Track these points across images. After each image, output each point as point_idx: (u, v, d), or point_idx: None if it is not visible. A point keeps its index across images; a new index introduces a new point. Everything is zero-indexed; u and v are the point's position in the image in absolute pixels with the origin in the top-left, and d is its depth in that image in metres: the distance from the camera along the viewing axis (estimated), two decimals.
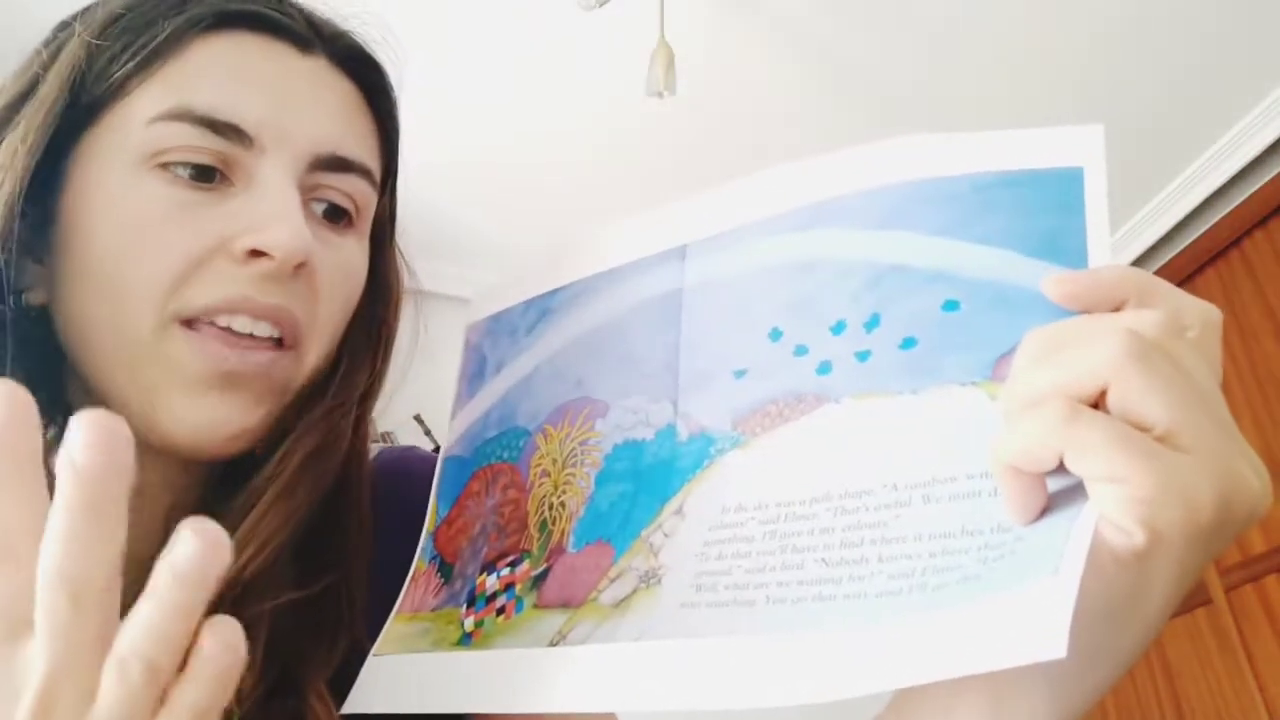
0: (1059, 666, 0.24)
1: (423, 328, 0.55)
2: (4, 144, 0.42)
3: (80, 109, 0.43)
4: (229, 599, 0.41)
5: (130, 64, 0.42)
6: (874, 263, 0.35)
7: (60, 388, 0.45)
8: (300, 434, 0.45)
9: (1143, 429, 0.26)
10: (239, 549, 0.42)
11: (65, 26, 0.45)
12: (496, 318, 0.48)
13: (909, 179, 0.35)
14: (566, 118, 2.20)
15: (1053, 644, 0.23)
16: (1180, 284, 2.54)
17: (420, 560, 0.45)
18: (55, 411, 0.46)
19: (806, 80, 2.10)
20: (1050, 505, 0.28)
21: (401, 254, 0.54)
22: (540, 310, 0.46)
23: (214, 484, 0.46)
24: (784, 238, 0.38)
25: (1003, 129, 0.34)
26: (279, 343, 0.43)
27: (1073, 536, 0.26)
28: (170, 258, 0.41)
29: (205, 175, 0.42)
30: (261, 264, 0.42)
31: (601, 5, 1.81)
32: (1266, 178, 2.22)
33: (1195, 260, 2.43)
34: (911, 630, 0.27)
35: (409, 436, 2.25)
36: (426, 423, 2.33)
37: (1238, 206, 2.30)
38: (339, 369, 0.48)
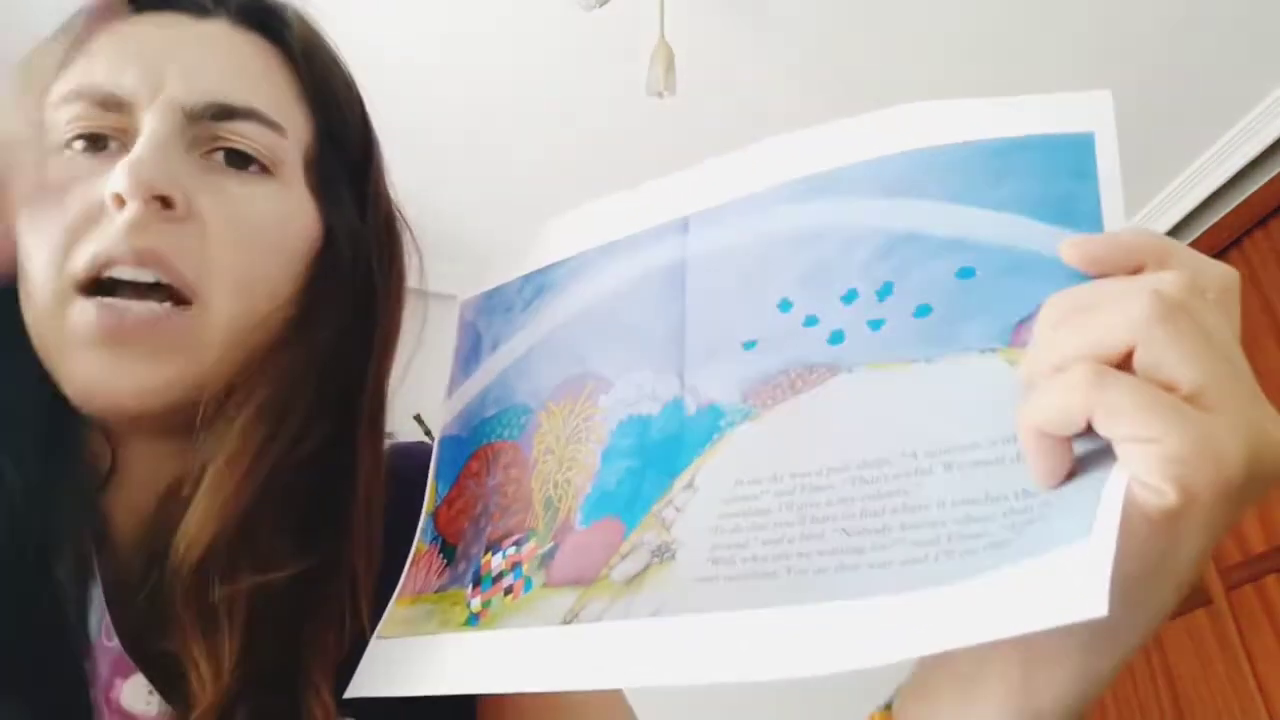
0: (1090, 630, 0.24)
1: (419, 326, 0.55)
2: None
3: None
4: (185, 575, 0.40)
5: (49, 67, 0.45)
6: (885, 231, 0.35)
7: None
8: (249, 387, 0.43)
9: (1169, 389, 0.26)
10: (197, 523, 0.41)
11: None
12: (491, 294, 0.47)
13: (917, 146, 0.35)
14: (566, 117, 2.19)
15: (1093, 602, 0.23)
16: None
17: (421, 541, 0.44)
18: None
19: (807, 80, 2.10)
20: (1075, 469, 0.28)
21: (403, 217, 0.54)
22: (537, 286, 0.45)
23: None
24: (790, 207, 0.38)
25: None
26: (172, 297, 0.42)
27: (1104, 499, 0.25)
28: (58, 225, 0.42)
29: (99, 144, 0.44)
30: (127, 209, 0.42)
31: (601, 5, 1.81)
32: (1266, 178, 2.22)
33: None
34: (945, 596, 0.27)
35: (408, 436, 2.25)
36: (427, 423, 2.32)
37: (1238, 206, 2.30)
38: (303, 326, 0.46)
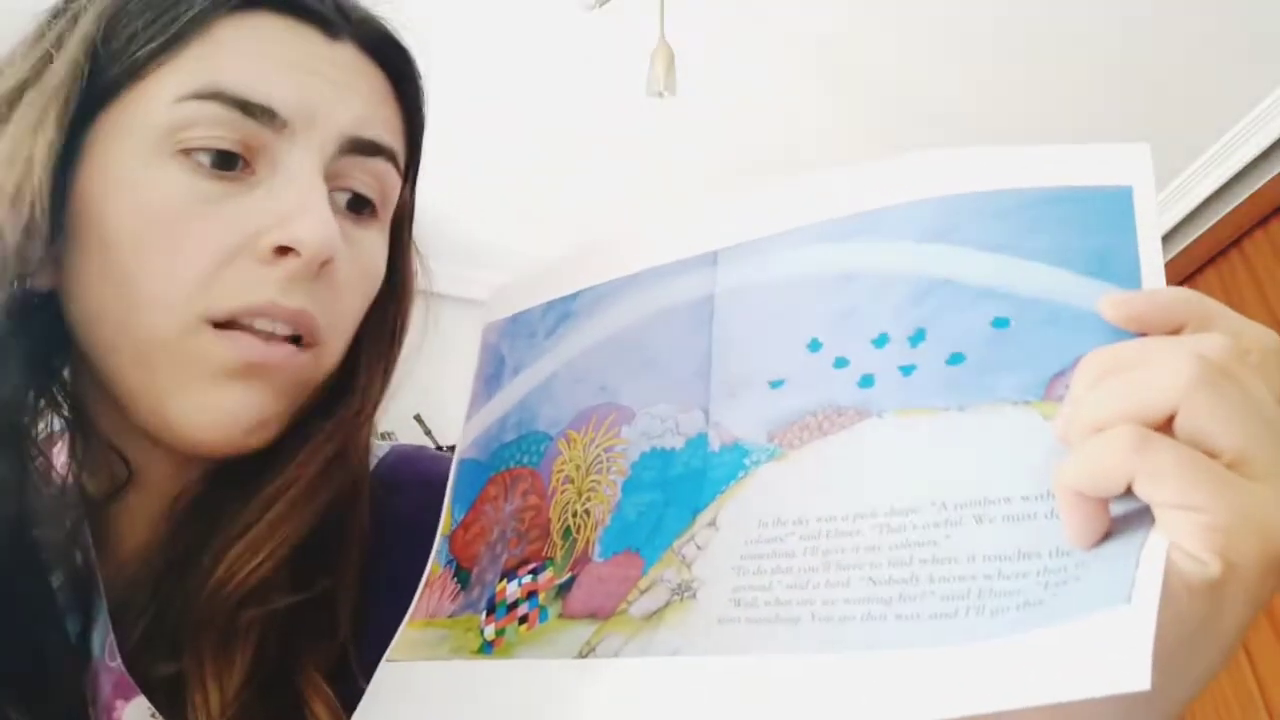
0: (1129, 696, 0.23)
1: (432, 325, 0.54)
2: (15, 126, 0.40)
3: (97, 88, 0.41)
4: (230, 603, 0.41)
5: (153, 43, 0.40)
6: (918, 276, 0.34)
7: (60, 371, 0.44)
8: (321, 440, 0.44)
9: (1211, 456, 0.25)
10: (250, 554, 0.41)
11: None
12: (515, 318, 0.47)
13: (954, 192, 0.35)
14: (565, 117, 2.20)
15: (1135, 675, 0.23)
16: (1180, 284, 2.54)
17: (435, 564, 0.44)
18: (60, 397, 0.44)
19: (806, 80, 2.10)
20: (1111, 529, 0.27)
21: (418, 251, 0.53)
22: (561, 313, 0.45)
23: (219, 479, 0.45)
24: (823, 247, 0.37)
25: (1004, 136, 0.33)
26: (296, 341, 0.43)
27: (1143, 564, 0.25)
28: (194, 257, 0.40)
29: (228, 162, 0.40)
30: (288, 262, 0.41)
31: (601, 5, 1.81)
32: (1266, 178, 2.22)
33: (1195, 260, 2.43)
34: (980, 655, 0.27)
35: (409, 437, 2.25)
36: (427, 423, 2.33)
37: (1238, 206, 2.30)
38: (358, 373, 0.47)
